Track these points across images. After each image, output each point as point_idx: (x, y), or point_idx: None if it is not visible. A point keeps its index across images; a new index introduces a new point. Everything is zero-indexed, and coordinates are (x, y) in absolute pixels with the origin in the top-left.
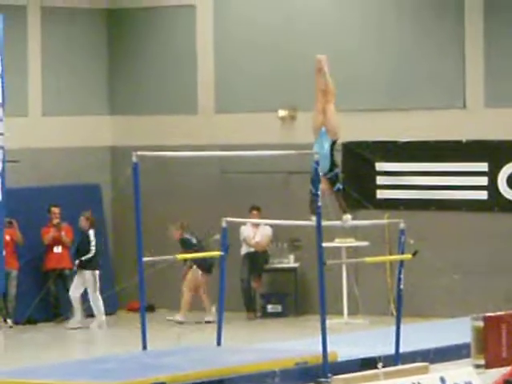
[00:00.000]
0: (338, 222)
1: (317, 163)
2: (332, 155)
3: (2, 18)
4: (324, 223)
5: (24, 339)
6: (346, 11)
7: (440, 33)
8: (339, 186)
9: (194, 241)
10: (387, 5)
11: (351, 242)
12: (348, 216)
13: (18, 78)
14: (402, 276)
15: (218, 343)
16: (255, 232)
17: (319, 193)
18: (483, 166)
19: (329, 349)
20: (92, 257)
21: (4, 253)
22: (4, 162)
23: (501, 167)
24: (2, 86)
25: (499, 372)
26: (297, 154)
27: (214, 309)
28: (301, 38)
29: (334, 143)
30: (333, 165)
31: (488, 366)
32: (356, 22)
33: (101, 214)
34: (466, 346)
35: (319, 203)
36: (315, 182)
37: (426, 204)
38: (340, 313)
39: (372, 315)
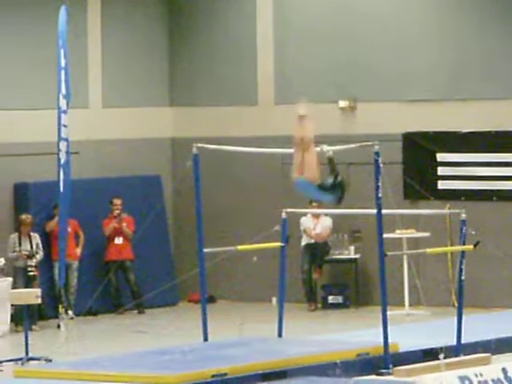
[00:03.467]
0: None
1: (377, 154)
2: (323, 189)
3: (64, 10)
4: (384, 212)
5: (85, 330)
6: (407, 3)
7: (499, 24)
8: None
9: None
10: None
11: (412, 233)
12: (327, 147)
13: (78, 70)
14: (463, 267)
15: (280, 334)
16: (315, 223)
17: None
18: None
19: (390, 340)
20: None
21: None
22: (68, 153)
23: None
24: (66, 79)
25: None
26: (357, 146)
27: (274, 300)
28: (361, 28)
29: (320, 186)
30: (334, 186)
31: None
32: (416, 12)
33: (162, 205)
34: None
35: (380, 194)
36: (377, 172)
37: (487, 194)
38: (401, 304)
39: (433, 306)
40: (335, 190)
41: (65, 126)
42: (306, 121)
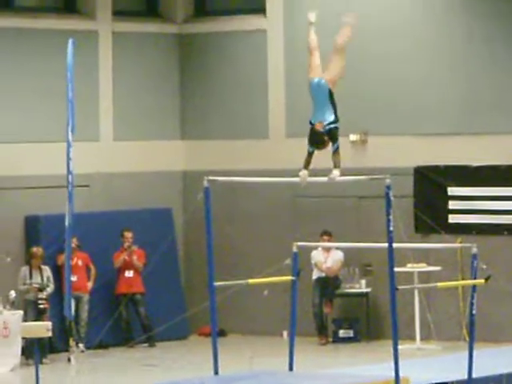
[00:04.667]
0: (324, 179)
1: (388, 188)
2: (334, 104)
3: (72, 43)
4: (395, 245)
5: (96, 364)
6: (418, 37)
7: (509, 58)
8: (337, 144)
9: None
10: (458, 32)
11: (423, 267)
12: (337, 172)
13: (89, 103)
14: (474, 301)
15: (290, 368)
16: (326, 257)
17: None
18: None
19: (401, 374)
20: None
21: (76, 277)
22: (72, 186)
23: None
24: (72, 111)
25: None
26: (368, 179)
27: (285, 334)
28: (372, 63)
29: (331, 92)
30: (335, 114)
31: None
32: (427, 48)
33: (172, 238)
34: None
35: (391, 228)
36: (388, 206)
37: (498, 229)
38: (412, 338)
39: (444, 340)
40: (337, 133)
41: (70, 159)
42: (347, 28)
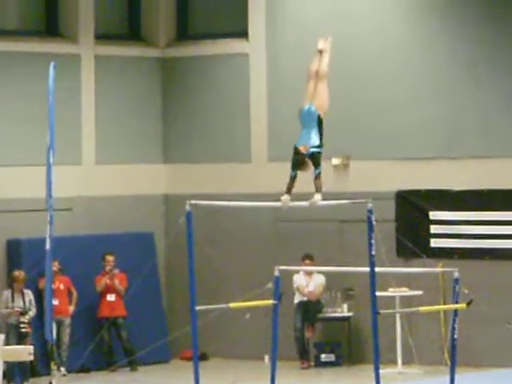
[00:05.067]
0: (305, 203)
1: (370, 212)
2: (321, 131)
3: (53, 66)
4: (377, 270)
5: None
6: (401, 62)
7: (492, 85)
8: (319, 169)
9: None
10: (441, 56)
11: (405, 291)
12: (318, 196)
13: (72, 127)
14: (456, 325)
15: None
16: (308, 281)
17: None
18: None
19: None
20: None
21: (58, 301)
22: (52, 209)
23: None
24: (51, 135)
25: None
26: (350, 203)
27: (266, 358)
28: (354, 86)
29: (320, 119)
30: (321, 140)
31: None
32: (411, 73)
33: (154, 262)
34: None
35: (373, 252)
36: (370, 230)
37: (480, 253)
38: (394, 362)
39: (426, 365)
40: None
41: (50, 182)
42: (325, 55)
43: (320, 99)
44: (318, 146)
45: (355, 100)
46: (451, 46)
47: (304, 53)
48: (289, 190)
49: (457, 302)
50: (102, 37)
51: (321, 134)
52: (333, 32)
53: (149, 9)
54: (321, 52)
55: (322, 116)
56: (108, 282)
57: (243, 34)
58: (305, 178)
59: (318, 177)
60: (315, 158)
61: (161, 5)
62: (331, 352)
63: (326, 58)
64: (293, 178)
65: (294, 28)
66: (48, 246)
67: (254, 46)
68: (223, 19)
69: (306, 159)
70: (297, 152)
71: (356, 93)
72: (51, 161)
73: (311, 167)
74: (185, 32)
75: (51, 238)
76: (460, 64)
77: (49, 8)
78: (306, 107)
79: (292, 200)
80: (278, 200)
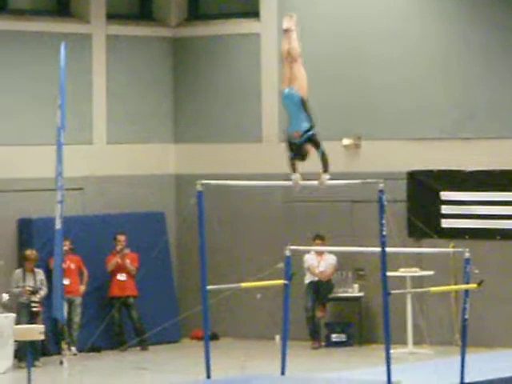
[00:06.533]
0: (314, 183)
1: (381, 192)
2: (308, 111)
3: (64, 47)
4: (388, 250)
5: (88, 367)
6: (413, 42)
7: (504, 66)
8: (322, 148)
9: None
10: (453, 38)
11: (416, 272)
12: (326, 176)
13: (82, 106)
14: (467, 306)
15: (282, 372)
16: (319, 261)
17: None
18: None
19: (393, 378)
20: None
21: (68, 280)
22: (62, 189)
23: None
24: (62, 114)
25: None
26: (361, 183)
27: (277, 338)
28: (366, 67)
29: (303, 100)
30: (311, 123)
31: None
32: (422, 53)
33: (165, 241)
34: None
35: (384, 232)
36: (381, 210)
37: (490, 233)
38: (404, 342)
39: (437, 345)
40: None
41: (60, 161)
42: (292, 33)
43: (298, 81)
44: (310, 129)
45: (366, 80)
46: (463, 27)
47: (315, 33)
48: (295, 170)
49: (467, 283)
50: (113, 16)
51: (309, 115)
52: (344, 13)
53: None
54: (287, 31)
55: (304, 97)
56: (119, 261)
57: (255, 14)
58: (315, 157)
59: (323, 157)
60: (313, 141)
61: None
62: (342, 332)
63: (294, 37)
64: (293, 159)
65: (306, 7)
66: (58, 226)
67: (266, 26)
68: None
69: (305, 148)
70: (290, 141)
71: (367, 73)
72: (62, 140)
73: (312, 150)
74: (196, 12)
75: (61, 217)
76: (472, 45)
77: None
78: (286, 91)
79: (302, 180)
80: (289, 180)
